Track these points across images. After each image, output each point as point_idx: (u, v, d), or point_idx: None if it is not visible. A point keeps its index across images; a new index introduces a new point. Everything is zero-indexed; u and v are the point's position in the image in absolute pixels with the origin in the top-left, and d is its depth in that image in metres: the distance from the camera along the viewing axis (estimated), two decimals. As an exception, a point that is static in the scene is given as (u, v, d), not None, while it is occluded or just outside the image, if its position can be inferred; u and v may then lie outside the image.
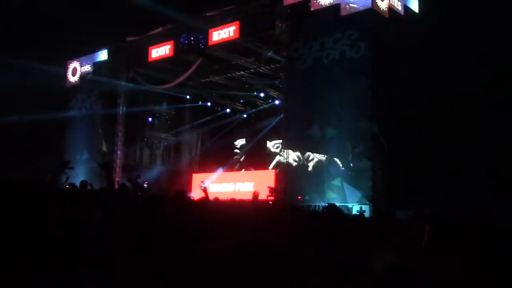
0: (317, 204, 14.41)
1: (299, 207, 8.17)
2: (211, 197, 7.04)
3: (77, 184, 8.60)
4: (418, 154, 14.53)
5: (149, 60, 20.49)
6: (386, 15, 15.25)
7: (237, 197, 8.21)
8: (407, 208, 12.05)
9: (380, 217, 12.66)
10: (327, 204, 10.72)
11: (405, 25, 15.36)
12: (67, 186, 9.33)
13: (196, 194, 19.22)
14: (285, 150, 16.58)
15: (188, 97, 24.25)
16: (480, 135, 13.60)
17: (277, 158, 21.61)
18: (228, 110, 24.58)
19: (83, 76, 22.69)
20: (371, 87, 14.53)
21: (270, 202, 15.92)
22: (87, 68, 22.63)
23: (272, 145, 23.03)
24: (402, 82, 14.74)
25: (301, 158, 15.90)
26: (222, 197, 7.22)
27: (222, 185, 20.81)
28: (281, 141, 18.53)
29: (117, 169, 20.93)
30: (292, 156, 16.24)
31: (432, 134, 14.25)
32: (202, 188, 6.26)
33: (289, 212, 5.37)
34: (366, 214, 13.11)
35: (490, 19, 14.14)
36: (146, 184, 13.81)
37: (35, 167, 18.83)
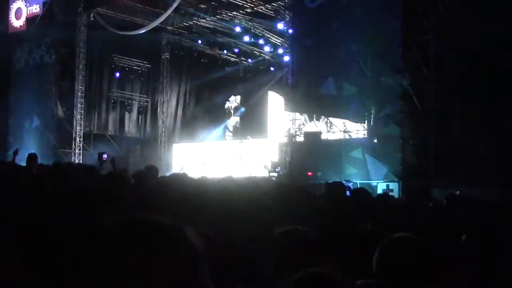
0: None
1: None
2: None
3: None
4: (461, 118, 14.44)
5: (115, -3, 20.33)
6: None
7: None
8: (447, 186, 12.27)
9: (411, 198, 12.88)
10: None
11: None
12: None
13: (178, 169, 19.29)
14: (290, 113, 16.87)
15: (166, 45, 24.07)
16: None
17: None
18: (218, 62, 24.40)
19: (30, 19, 22.38)
20: (402, 31, 14.53)
21: (273, 179, 16.67)
22: (35, 9, 22.29)
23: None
24: (442, 24, 14.62)
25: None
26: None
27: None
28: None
29: (77, 139, 20.92)
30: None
31: (481, 91, 13.88)
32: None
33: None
34: (395, 194, 13.20)
35: None
36: (106, 156, 13.85)
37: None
